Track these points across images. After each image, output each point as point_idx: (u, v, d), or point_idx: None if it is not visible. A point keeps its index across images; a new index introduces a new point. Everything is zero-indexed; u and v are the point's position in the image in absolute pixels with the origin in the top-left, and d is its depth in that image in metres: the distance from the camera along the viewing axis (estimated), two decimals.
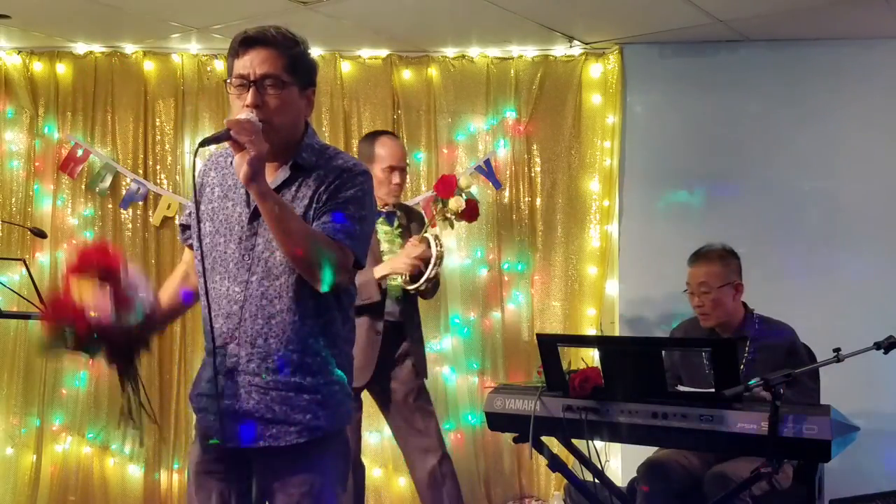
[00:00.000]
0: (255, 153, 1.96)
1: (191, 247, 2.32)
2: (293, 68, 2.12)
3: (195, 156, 2.03)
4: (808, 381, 3.21)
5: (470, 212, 3.61)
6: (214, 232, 2.20)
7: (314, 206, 2.12)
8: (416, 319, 3.73)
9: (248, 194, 2.16)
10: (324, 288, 2.06)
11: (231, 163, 2.19)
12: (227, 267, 2.16)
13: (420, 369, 3.69)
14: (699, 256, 3.48)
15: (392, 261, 3.54)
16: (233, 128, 1.98)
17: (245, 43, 2.11)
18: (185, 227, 2.35)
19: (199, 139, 2.13)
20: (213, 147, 2.18)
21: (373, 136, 3.72)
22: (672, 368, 3.53)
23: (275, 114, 2.09)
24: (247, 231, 2.15)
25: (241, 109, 2.08)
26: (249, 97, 2.07)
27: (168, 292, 2.34)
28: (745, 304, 3.45)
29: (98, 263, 2.06)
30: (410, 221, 3.74)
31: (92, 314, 2.00)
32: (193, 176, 2.14)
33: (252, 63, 2.09)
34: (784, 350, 3.31)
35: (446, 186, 3.58)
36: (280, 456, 2.12)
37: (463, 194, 3.57)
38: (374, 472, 4.70)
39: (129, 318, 2.07)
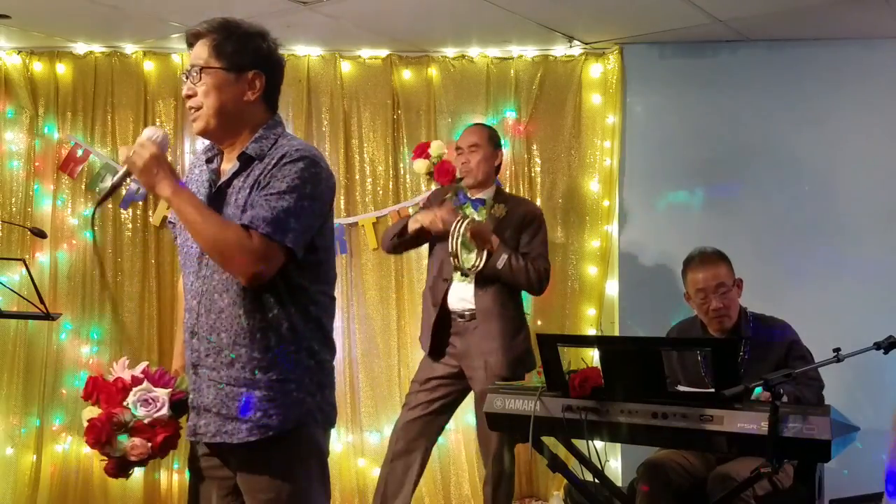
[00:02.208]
0: (139, 167, 2.05)
1: None
2: (219, 52, 2.15)
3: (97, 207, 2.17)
4: (810, 371, 3.20)
5: (439, 171, 3.72)
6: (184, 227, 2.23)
7: (253, 194, 2.11)
8: (496, 310, 3.70)
9: (209, 187, 2.20)
10: (246, 282, 2.06)
11: (206, 159, 2.27)
12: (191, 261, 2.20)
13: (487, 363, 3.67)
14: (703, 261, 3.41)
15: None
16: (126, 164, 2.08)
17: (188, 43, 2.21)
18: (172, 224, 2.37)
19: (200, 139, 2.17)
20: (201, 143, 2.25)
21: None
22: (670, 371, 3.52)
23: (203, 99, 2.15)
24: None
25: None
26: (184, 89, 2.19)
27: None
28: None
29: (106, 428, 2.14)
30: (506, 213, 3.77)
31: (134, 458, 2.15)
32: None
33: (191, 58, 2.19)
34: (781, 347, 3.31)
35: (419, 151, 3.81)
36: (243, 455, 2.12)
37: (434, 157, 3.76)
38: (374, 472, 4.70)
39: (181, 408, 2.22)
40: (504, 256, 3.64)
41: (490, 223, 3.71)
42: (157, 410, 2.15)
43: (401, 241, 3.77)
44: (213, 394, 2.13)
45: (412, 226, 3.67)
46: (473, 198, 3.78)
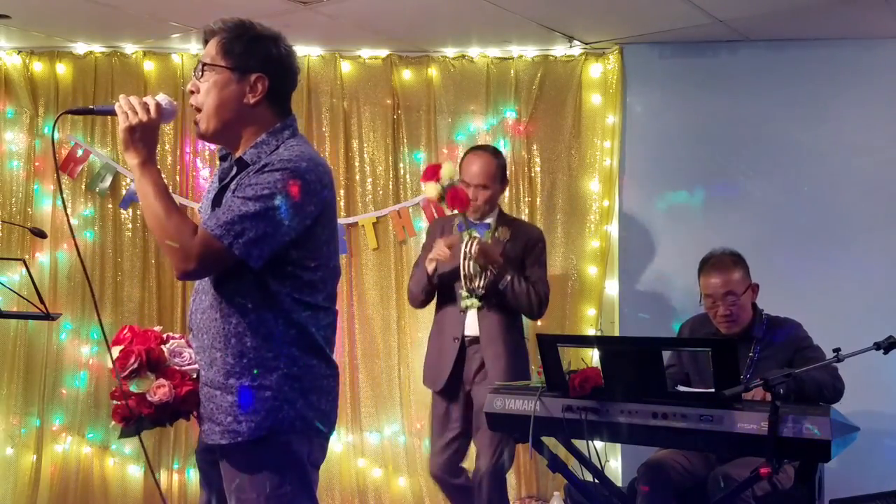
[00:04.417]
0: (125, 124, 2.05)
1: None
2: (226, 51, 2.14)
3: (56, 123, 2.27)
4: (820, 355, 3.20)
5: (452, 199, 3.61)
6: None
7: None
8: (501, 334, 3.70)
9: (219, 187, 2.19)
10: (176, 276, 2.06)
11: (220, 157, 2.29)
12: None
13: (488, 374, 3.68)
14: (716, 266, 3.41)
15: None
16: (119, 110, 2.08)
17: (203, 40, 2.23)
18: None
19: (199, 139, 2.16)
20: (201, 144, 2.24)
21: (466, 153, 3.90)
22: (679, 367, 3.52)
23: (202, 97, 2.15)
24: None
25: None
26: (189, 85, 2.19)
27: None
28: (754, 305, 3.45)
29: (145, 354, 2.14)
30: (510, 237, 3.78)
31: (155, 399, 2.11)
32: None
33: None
34: (791, 347, 3.31)
35: (429, 173, 3.67)
36: (222, 453, 2.12)
37: (445, 181, 3.61)
38: (374, 472, 4.71)
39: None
40: (507, 277, 3.64)
41: (496, 245, 3.71)
42: (189, 365, 2.15)
43: (431, 288, 3.76)
44: (201, 392, 2.15)
45: (430, 267, 3.68)
46: (478, 223, 3.76)
